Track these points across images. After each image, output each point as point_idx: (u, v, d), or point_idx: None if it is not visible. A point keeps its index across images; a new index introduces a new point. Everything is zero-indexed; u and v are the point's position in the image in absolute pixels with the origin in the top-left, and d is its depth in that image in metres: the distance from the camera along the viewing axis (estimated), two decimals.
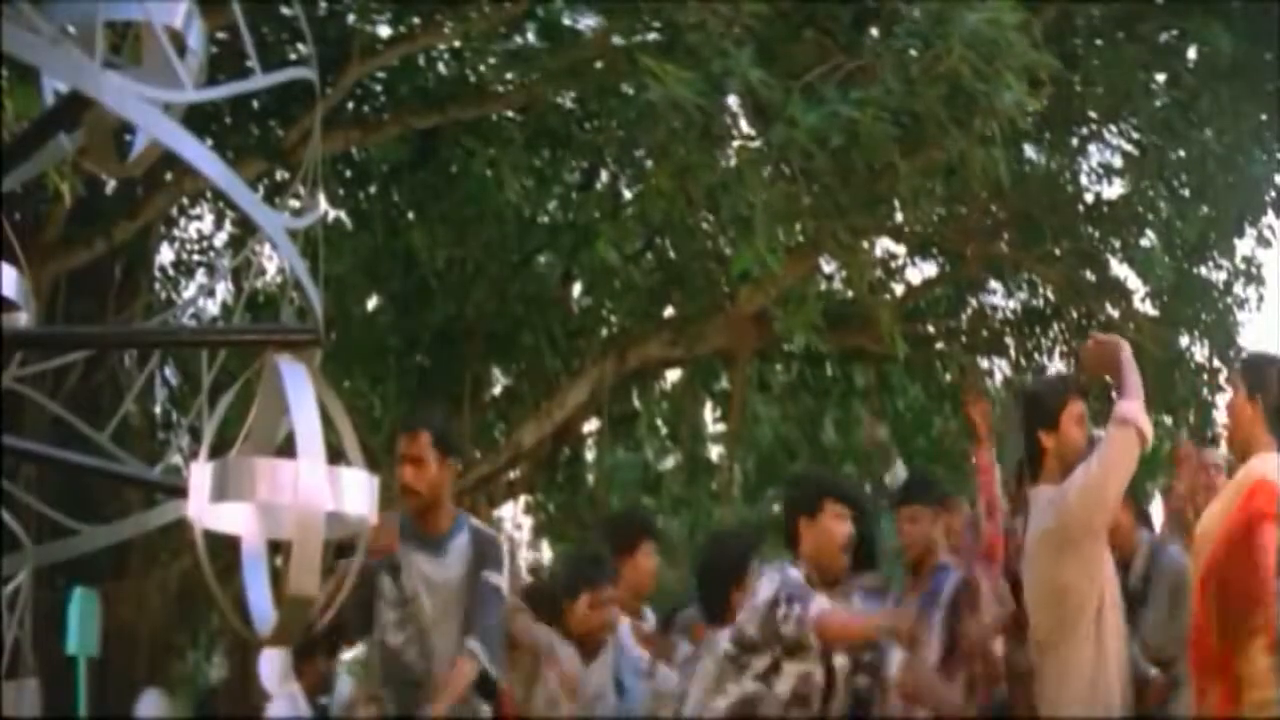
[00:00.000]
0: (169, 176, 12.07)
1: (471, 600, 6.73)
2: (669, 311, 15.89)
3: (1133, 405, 6.03)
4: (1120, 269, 14.18)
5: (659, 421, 19.21)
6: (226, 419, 4.18)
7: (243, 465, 3.76)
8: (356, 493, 3.74)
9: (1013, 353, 15.59)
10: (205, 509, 3.80)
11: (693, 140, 10.12)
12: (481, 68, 14.00)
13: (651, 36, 11.57)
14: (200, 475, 3.71)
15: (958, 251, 14.44)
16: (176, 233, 15.76)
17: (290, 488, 3.59)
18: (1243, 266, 13.89)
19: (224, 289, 14.18)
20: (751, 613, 6.74)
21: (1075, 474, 6.10)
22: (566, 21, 13.45)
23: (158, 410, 14.93)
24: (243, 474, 3.70)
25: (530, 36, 13.82)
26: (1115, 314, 14.15)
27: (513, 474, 16.06)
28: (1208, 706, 5.93)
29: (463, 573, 6.77)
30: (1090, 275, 14.14)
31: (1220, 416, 14.27)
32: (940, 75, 9.61)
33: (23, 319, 4.22)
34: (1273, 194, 13.29)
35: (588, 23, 13.20)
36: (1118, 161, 14.07)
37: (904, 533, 7.90)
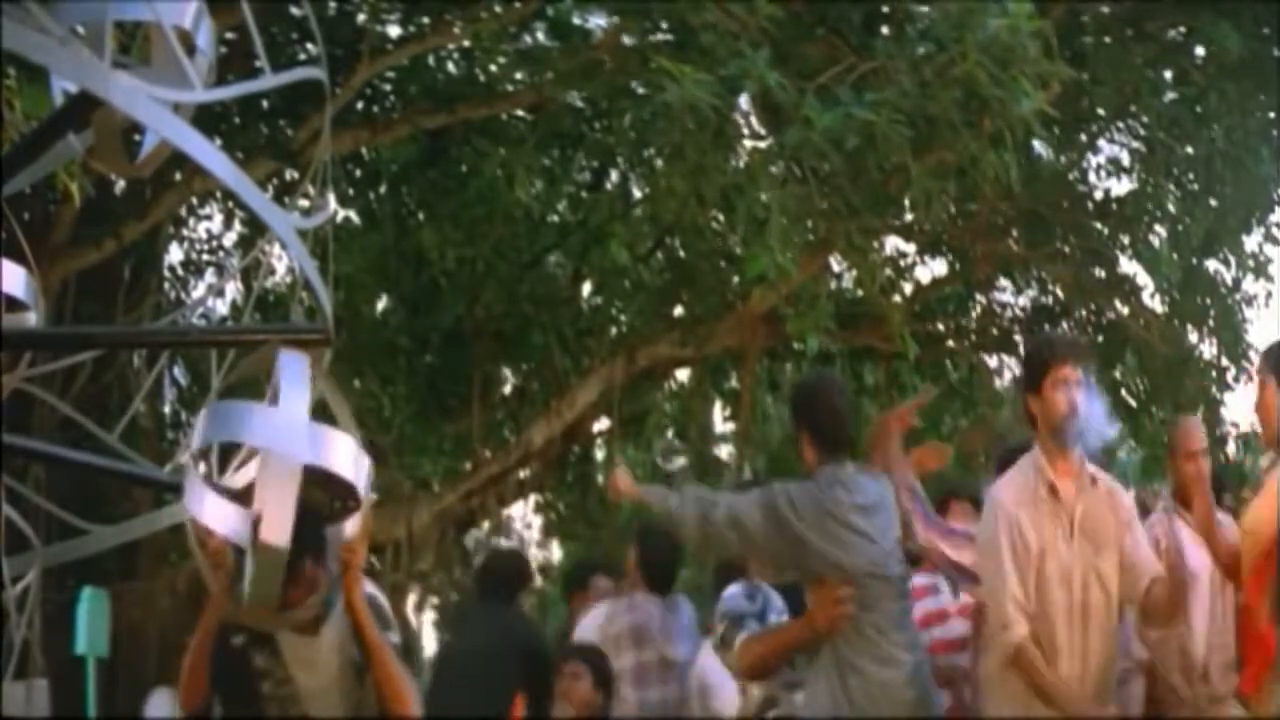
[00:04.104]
0: (178, 176, 12.07)
1: None
2: (679, 311, 15.89)
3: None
4: (1129, 266, 14.16)
5: (669, 421, 19.20)
6: None
7: (231, 408, 3.81)
8: (342, 453, 3.78)
9: (1022, 350, 15.56)
10: (199, 503, 3.84)
11: (706, 141, 10.11)
12: (492, 67, 14.00)
13: (663, 37, 11.56)
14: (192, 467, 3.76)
15: (967, 250, 14.43)
16: (186, 233, 15.76)
17: (272, 432, 3.64)
18: (1251, 263, 13.86)
19: (233, 289, 14.22)
20: None
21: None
22: (576, 21, 13.45)
23: (167, 410, 14.93)
24: (231, 416, 3.75)
25: (540, 36, 13.82)
26: (1124, 311, 14.13)
27: (523, 473, 16.07)
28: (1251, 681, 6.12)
29: (344, 639, 6.07)
30: (1099, 272, 14.11)
31: (1230, 415, 14.27)
32: (955, 79, 9.61)
33: (32, 319, 4.24)
34: None
35: (598, 22, 13.19)
36: (1126, 159, 14.06)
37: None
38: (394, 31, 13.52)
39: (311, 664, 6.04)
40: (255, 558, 3.79)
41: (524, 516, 20.57)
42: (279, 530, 3.62)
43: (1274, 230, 13.56)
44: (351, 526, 4.90)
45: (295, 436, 3.64)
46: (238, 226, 15.53)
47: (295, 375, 3.69)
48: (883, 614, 6.32)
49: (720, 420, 19.70)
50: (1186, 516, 7.95)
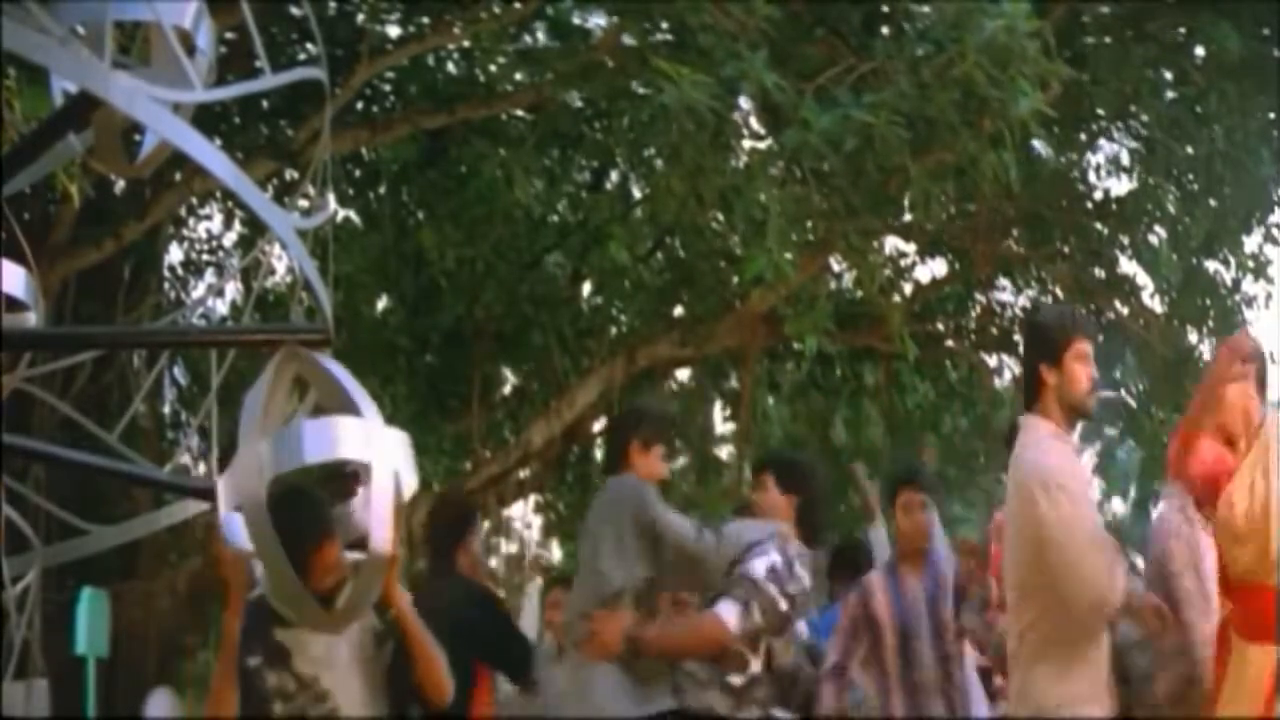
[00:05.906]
0: (178, 176, 12.07)
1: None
2: (679, 311, 15.89)
3: None
4: (1129, 266, 14.15)
5: None
6: (235, 420, 4.18)
7: (317, 426, 3.91)
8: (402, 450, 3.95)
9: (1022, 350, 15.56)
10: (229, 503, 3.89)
11: (704, 142, 10.10)
12: (491, 68, 14.01)
13: (662, 37, 11.56)
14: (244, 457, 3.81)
15: (967, 249, 14.41)
16: (186, 233, 15.77)
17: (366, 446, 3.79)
18: (1251, 263, 13.84)
19: (233, 289, 14.23)
20: None
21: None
22: (576, 21, 13.46)
23: (166, 410, 14.93)
24: (319, 433, 3.84)
25: (540, 36, 13.84)
26: (1124, 311, 14.12)
27: (522, 473, 16.05)
28: None
29: (356, 629, 5.90)
30: (1099, 272, 14.11)
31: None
32: (953, 80, 9.60)
33: (32, 319, 4.24)
34: None
35: (597, 22, 13.20)
36: (1126, 159, 14.05)
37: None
38: (394, 31, 13.53)
39: (329, 648, 5.92)
40: (361, 566, 3.89)
41: (524, 516, 20.57)
42: (384, 540, 3.74)
43: (1274, 231, 13.55)
44: (384, 518, 4.84)
45: (385, 448, 3.83)
46: (238, 226, 15.54)
47: (355, 387, 3.80)
48: None
49: (720, 420, 19.71)
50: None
